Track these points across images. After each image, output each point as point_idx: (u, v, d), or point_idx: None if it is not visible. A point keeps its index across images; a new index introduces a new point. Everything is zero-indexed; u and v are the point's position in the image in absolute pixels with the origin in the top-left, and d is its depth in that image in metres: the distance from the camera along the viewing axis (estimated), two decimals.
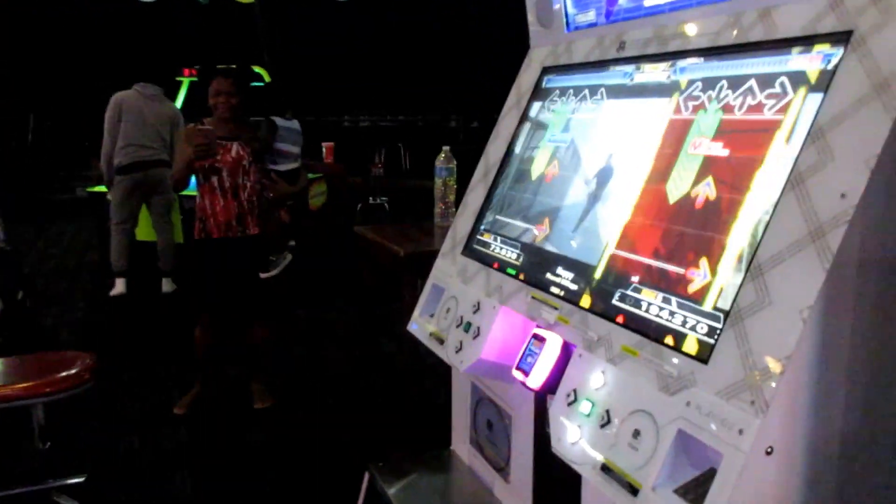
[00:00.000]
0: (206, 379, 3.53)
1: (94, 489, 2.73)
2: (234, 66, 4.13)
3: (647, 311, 1.12)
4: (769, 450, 0.88)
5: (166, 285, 5.29)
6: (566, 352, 1.27)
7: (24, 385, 2.30)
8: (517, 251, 1.52)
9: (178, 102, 6.66)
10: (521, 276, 1.45)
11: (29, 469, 2.78)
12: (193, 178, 3.30)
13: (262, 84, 6.78)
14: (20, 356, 2.60)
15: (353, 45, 12.04)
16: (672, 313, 1.07)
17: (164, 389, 3.74)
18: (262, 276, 3.42)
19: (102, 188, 5.40)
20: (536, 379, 1.30)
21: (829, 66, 0.99)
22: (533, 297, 1.36)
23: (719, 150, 1.13)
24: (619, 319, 1.16)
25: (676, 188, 1.18)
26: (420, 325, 1.72)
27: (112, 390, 3.72)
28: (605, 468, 1.03)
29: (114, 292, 5.14)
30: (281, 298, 3.72)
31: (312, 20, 11.74)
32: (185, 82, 6.67)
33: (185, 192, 3.79)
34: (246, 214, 3.31)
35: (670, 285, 1.10)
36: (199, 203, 3.31)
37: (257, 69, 6.78)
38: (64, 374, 2.36)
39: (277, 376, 3.80)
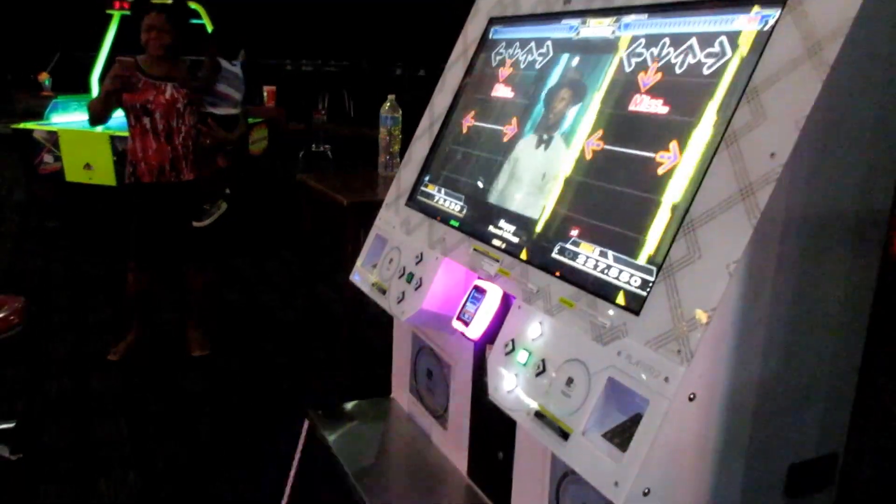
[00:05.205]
0: (141, 326, 3.46)
1: (26, 434, 2.68)
2: (169, 1, 3.93)
3: (584, 264, 1.15)
4: (692, 396, 0.93)
5: None
6: (506, 303, 1.30)
7: None
8: (461, 203, 1.52)
9: (109, 37, 6.32)
10: (464, 229, 1.46)
11: None
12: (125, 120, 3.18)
13: (201, 21, 6.48)
14: None
15: None
16: (608, 267, 1.10)
17: (97, 335, 3.66)
18: (195, 224, 3.35)
19: (28, 124, 5.13)
20: (476, 329, 1.33)
21: (766, 28, 1.02)
22: (475, 250, 1.38)
23: (659, 107, 1.15)
24: (558, 272, 1.18)
25: (616, 145, 1.20)
26: (363, 276, 1.72)
27: (43, 336, 3.62)
28: (539, 414, 1.07)
29: None
30: (218, 246, 3.66)
31: None
32: (116, 16, 6.30)
33: (120, 134, 3.65)
34: (180, 159, 3.21)
35: (607, 240, 1.13)
36: (130, 146, 3.19)
37: (193, 5, 6.46)
38: None
39: (215, 324, 3.76)
